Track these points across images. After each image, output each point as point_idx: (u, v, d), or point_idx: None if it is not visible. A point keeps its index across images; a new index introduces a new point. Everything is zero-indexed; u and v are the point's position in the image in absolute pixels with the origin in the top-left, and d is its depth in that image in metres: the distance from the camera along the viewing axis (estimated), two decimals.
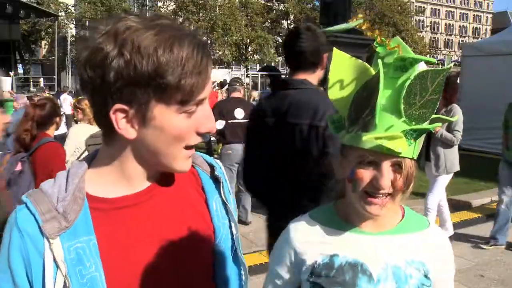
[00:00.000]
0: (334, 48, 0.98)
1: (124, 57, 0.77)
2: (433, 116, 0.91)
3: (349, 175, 0.97)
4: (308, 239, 1.06)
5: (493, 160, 7.53)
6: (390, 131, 0.89)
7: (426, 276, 1.02)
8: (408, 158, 0.93)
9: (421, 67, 0.91)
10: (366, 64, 0.97)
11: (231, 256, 1.02)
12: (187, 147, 0.87)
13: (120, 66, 0.77)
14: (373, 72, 0.94)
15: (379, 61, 0.89)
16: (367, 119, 0.90)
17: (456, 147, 4.63)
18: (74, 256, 0.81)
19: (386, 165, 0.92)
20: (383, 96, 0.88)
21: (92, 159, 0.92)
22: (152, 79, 0.78)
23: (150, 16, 0.84)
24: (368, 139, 0.89)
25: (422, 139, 0.94)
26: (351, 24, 0.99)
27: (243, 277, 1.04)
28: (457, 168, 4.68)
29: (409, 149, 0.91)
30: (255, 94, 11.64)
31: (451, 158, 4.59)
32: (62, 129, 9.62)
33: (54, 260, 0.80)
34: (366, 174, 0.94)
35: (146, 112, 0.81)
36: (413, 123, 0.90)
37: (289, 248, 1.07)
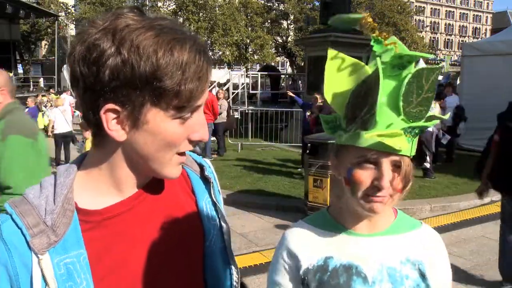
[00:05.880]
0: (329, 48, 0.97)
1: (122, 56, 0.73)
2: (428, 114, 0.91)
3: (347, 176, 0.95)
4: (303, 242, 1.05)
5: None
6: (390, 128, 0.88)
7: (423, 275, 1.00)
8: (407, 156, 0.93)
9: (421, 65, 0.90)
10: (361, 62, 0.96)
11: (222, 257, 1.00)
12: (178, 153, 0.84)
13: (116, 65, 0.73)
14: (369, 70, 0.93)
15: (377, 59, 0.88)
16: (365, 117, 0.89)
17: None
18: (64, 272, 0.77)
19: (386, 164, 0.91)
20: (383, 93, 0.87)
21: (81, 162, 0.89)
22: (149, 82, 0.75)
23: (151, 16, 0.80)
24: (369, 137, 0.88)
25: (417, 138, 0.94)
26: (354, 15, 0.98)
27: (235, 278, 1.02)
28: None
29: (407, 147, 0.91)
30: None
31: None
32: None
33: (43, 276, 0.75)
34: (365, 175, 0.92)
35: (139, 115, 0.77)
36: (411, 120, 0.89)
37: (285, 253, 1.06)
